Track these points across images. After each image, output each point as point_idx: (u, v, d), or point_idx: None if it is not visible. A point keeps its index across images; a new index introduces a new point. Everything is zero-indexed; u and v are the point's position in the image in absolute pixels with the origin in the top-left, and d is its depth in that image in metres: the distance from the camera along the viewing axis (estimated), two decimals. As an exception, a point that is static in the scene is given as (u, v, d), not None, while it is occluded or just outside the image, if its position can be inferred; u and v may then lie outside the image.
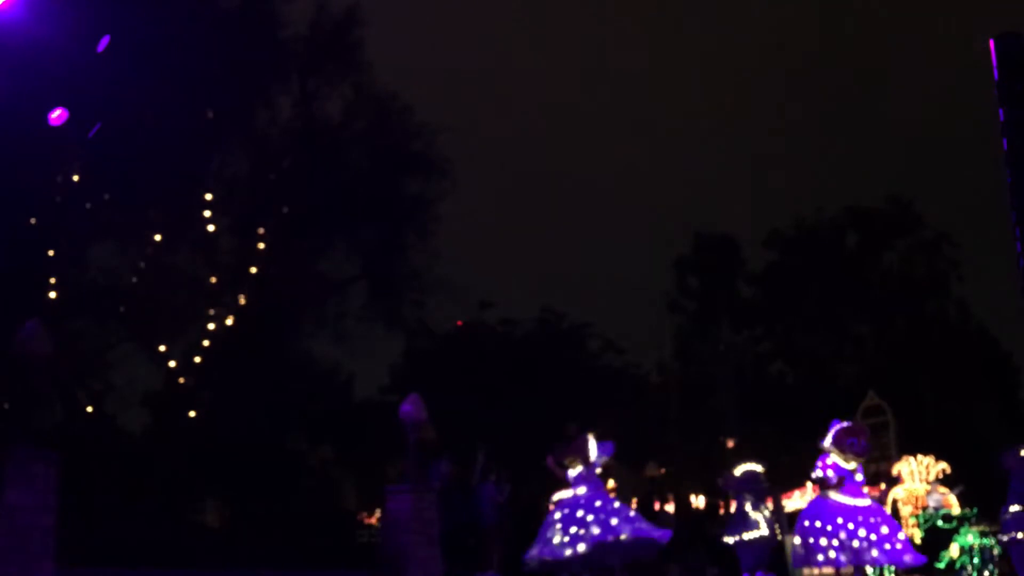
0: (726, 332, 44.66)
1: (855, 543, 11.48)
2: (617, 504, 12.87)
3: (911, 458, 27.32)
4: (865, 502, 12.12)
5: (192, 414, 27.46)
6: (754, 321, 44.50)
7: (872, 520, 11.84)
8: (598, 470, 13.20)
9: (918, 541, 20.08)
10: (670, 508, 27.84)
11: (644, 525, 12.67)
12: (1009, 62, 43.96)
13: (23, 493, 11.09)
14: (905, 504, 26.34)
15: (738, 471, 17.39)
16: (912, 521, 23.52)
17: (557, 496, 13.49)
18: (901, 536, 12.05)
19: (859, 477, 12.23)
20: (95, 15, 23.24)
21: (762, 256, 44.87)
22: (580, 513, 12.63)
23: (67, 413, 25.45)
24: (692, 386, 42.17)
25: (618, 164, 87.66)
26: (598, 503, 12.65)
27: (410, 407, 16.76)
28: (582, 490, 12.98)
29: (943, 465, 26.56)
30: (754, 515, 16.74)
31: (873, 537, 11.57)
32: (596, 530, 12.34)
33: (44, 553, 11.20)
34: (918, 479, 26.52)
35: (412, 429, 16.51)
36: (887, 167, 74.08)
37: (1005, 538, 15.02)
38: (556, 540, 12.59)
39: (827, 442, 12.24)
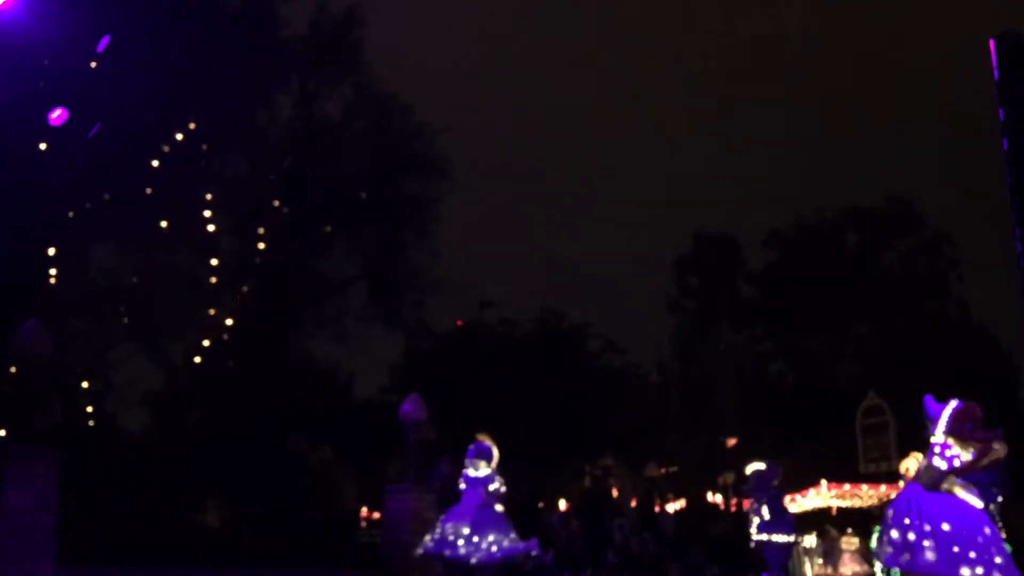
0: (726, 332, 44.55)
1: (972, 554, 8.69)
2: (466, 530, 12.22)
3: (918, 454, 27.06)
4: (980, 505, 9.50)
5: (192, 414, 27.45)
6: (754, 321, 44.43)
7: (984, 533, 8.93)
8: (474, 470, 12.45)
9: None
10: (671, 508, 27.72)
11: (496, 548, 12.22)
12: (1009, 62, 43.95)
13: (23, 493, 11.09)
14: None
15: (751, 469, 16.95)
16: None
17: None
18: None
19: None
20: (95, 16, 23.24)
21: (762, 256, 44.84)
22: (451, 526, 12.52)
23: (67, 413, 25.54)
24: (692, 386, 42.14)
25: (619, 164, 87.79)
26: (464, 527, 12.20)
27: (410, 407, 16.76)
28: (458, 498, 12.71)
29: None
30: (784, 516, 16.46)
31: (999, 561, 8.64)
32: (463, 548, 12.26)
33: (44, 553, 11.20)
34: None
35: (412, 429, 16.50)
36: (887, 167, 74.07)
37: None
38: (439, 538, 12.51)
39: (941, 429, 9.83)
